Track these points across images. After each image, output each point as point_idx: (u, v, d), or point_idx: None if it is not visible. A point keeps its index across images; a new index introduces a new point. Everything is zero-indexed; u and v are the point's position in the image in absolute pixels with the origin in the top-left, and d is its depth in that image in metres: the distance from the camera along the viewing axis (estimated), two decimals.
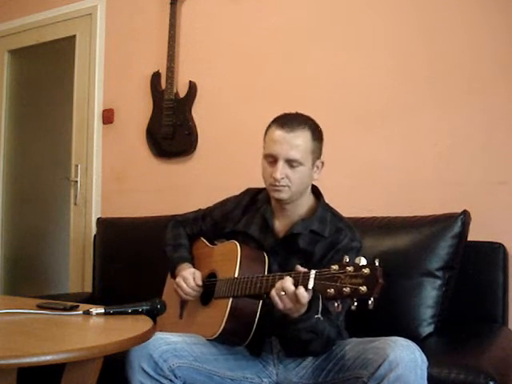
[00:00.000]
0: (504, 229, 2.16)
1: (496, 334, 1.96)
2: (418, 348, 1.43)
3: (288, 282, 1.42)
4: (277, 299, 1.44)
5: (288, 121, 1.66)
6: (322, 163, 1.74)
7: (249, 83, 2.84)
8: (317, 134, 1.69)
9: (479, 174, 2.26)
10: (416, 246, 2.04)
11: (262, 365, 1.71)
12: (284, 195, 1.68)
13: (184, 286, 1.78)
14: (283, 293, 1.42)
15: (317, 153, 1.70)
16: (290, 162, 1.64)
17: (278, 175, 1.63)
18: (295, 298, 1.40)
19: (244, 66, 2.87)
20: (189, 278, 1.79)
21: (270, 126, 1.71)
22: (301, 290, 1.39)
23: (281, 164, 1.64)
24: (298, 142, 1.63)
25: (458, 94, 2.32)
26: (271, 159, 1.67)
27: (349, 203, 2.31)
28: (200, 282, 1.79)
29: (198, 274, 1.81)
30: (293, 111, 1.73)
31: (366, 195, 2.47)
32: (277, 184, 1.65)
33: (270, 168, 1.67)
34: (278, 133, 1.65)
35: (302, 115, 1.71)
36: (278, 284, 1.45)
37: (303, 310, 1.44)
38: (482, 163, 2.26)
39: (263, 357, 1.71)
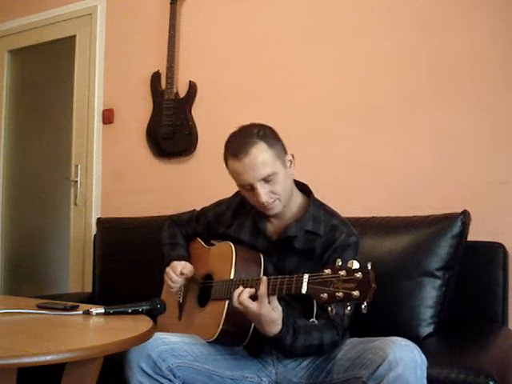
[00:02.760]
0: (504, 229, 2.16)
1: (496, 334, 1.96)
2: (418, 348, 1.43)
3: (236, 292, 1.49)
4: (241, 308, 1.50)
5: (237, 146, 1.63)
6: (292, 156, 1.71)
7: (249, 83, 2.84)
8: (269, 138, 1.65)
9: (479, 174, 2.25)
10: (416, 246, 2.04)
11: (262, 364, 1.71)
12: (277, 209, 1.68)
13: (171, 273, 1.82)
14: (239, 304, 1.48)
15: (280, 153, 1.67)
16: (265, 179, 1.62)
17: (264, 198, 1.62)
18: (239, 303, 1.47)
19: (244, 66, 2.87)
20: (177, 266, 1.82)
21: (226, 159, 1.68)
22: (244, 294, 1.46)
23: (258, 186, 1.61)
24: (258, 160, 1.60)
25: (459, 94, 2.32)
26: (247, 187, 1.65)
27: (349, 203, 2.32)
28: (186, 271, 1.82)
29: (189, 266, 1.84)
30: (236, 127, 1.72)
31: (366, 195, 2.47)
32: (266, 204, 1.64)
33: (251, 195, 1.66)
34: (235, 164, 1.63)
35: (244, 129, 1.68)
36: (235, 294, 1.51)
37: (275, 329, 1.47)
38: (482, 163, 2.26)
39: (262, 357, 1.71)
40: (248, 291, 1.48)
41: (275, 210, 1.67)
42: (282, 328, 1.48)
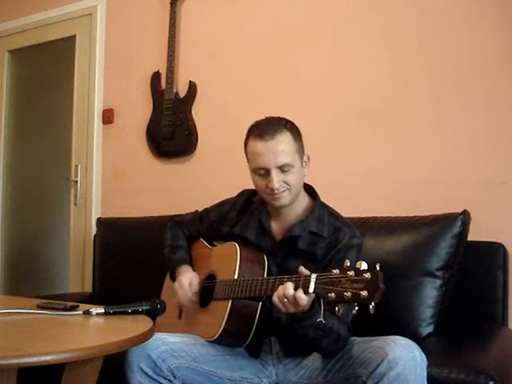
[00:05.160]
0: (504, 229, 2.16)
1: (496, 334, 1.96)
2: (418, 347, 1.43)
3: (289, 288, 1.42)
4: (280, 305, 1.45)
5: (265, 129, 1.65)
6: (308, 157, 1.75)
7: (249, 83, 2.84)
8: (295, 132, 1.70)
9: (479, 174, 2.25)
10: (416, 246, 2.04)
11: (262, 365, 1.71)
12: (285, 201, 1.68)
13: (180, 292, 1.79)
14: (286, 299, 1.42)
15: (301, 150, 1.71)
16: (282, 168, 1.63)
17: (276, 185, 1.63)
18: (294, 301, 1.41)
19: (244, 66, 2.87)
20: (185, 284, 1.79)
21: (247, 140, 1.70)
22: (300, 293, 1.39)
23: (274, 173, 1.63)
24: (281, 147, 1.63)
25: (459, 94, 2.32)
26: (262, 171, 1.66)
27: (349, 203, 2.32)
28: (196, 288, 1.80)
29: (195, 280, 1.81)
30: (263, 117, 1.72)
31: (366, 195, 2.47)
32: (276, 192, 1.65)
33: (264, 180, 1.66)
34: (259, 145, 1.64)
35: (274, 119, 1.71)
36: (280, 290, 1.44)
37: (307, 307, 1.44)
38: (482, 163, 2.26)
39: (262, 357, 1.71)
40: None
41: (282, 201, 1.67)
42: (314, 304, 1.45)
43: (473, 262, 2.10)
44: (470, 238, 2.07)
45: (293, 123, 1.72)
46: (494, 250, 2.10)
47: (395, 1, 2.47)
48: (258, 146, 1.65)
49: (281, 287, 1.45)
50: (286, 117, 1.74)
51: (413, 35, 2.42)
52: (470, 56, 2.30)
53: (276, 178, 1.63)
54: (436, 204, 2.23)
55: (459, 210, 2.05)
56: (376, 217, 2.22)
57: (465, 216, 2.03)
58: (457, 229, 2.01)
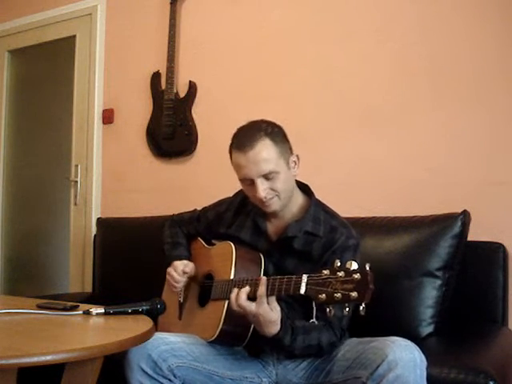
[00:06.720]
0: (504, 229, 2.16)
1: (496, 334, 1.96)
2: (417, 348, 1.43)
3: (233, 295, 1.50)
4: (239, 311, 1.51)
5: (243, 139, 1.64)
6: (297, 157, 1.71)
7: (249, 83, 2.84)
8: (276, 135, 1.65)
9: (479, 174, 2.26)
10: (416, 246, 2.04)
11: (262, 365, 1.71)
12: (275, 207, 1.67)
13: (173, 273, 1.81)
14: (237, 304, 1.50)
15: (286, 152, 1.66)
16: (266, 176, 1.62)
17: (262, 194, 1.62)
18: (237, 306, 1.48)
19: (244, 66, 2.87)
20: (178, 265, 1.82)
21: (230, 150, 1.69)
22: (241, 298, 1.47)
23: (258, 182, 1.62)
24: (262, 156, 1.60)
25: (459, 93, 2.32)
26: (247, 182, 1.65)
27: (349, 203, 2.32)
28: (188, 270, 1.82)
29: (191, 265, 1.83)
30: (245, 122, 1.71)
31: (366, 195, 2.47)
32: (264, 200, 1.64)
33: (251, 189, 1.66)
34: (239, 157, 1.63)
35: (253, 124, 1.68)
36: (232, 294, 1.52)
37: (273, 329, 1.48)
38: (481, 163, 2.26)
39: (263, 357, 1.71)
40: (245, 291, 1.49)
41: (272, 207, 1.67)
42: (281, 329, 1.48)
43: (473, 262, 2.10)
44: (470, 238, 2.07)
45: (274, 126, 1.68)
46: (494, 250, 2.10)
47: (398, 4, 2.46)
48: (238, 157, 1.64)
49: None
50: (286, 117, 1.73)
51: (414, 36, 2.42)
52: (470, 56, 2.30)
53: (261, 187, 1.62)
54: (436, 204, 2.23)
55: (459, 210, 2.04)
56: (376, 217, 2.22)
57: (465, 216, 2.03)
58: (457, 229, 2.01)
